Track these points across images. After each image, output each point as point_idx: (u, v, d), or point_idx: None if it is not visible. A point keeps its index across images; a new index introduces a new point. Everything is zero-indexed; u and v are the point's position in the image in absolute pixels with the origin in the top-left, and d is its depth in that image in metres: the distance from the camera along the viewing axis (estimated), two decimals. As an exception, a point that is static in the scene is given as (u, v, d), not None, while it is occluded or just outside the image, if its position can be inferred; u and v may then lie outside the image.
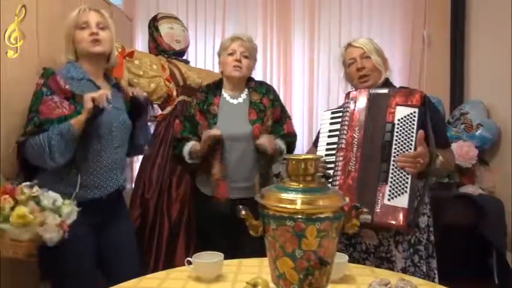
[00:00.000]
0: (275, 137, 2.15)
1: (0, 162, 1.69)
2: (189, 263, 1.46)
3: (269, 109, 2.18)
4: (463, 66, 3.46)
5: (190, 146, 2.13)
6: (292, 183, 1.09)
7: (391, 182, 1.61)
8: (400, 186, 1.60)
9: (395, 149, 1.64)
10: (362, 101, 1.76)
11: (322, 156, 1.77)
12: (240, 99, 2.21)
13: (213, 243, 1.99)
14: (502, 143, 3.10)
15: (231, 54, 2.16)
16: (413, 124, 1.64)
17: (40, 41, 1.93)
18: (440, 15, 3.52)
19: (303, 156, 1.11)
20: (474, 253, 3.06)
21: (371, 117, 1.72)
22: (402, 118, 1.66)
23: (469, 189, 3.02)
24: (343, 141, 1.73)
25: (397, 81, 2.03)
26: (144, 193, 2.58)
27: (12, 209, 1.36)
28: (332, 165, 1.75)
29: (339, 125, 1.79)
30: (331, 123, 1.84)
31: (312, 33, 3.60)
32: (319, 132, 1.93)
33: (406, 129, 1.65)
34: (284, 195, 1.05)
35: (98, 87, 1.74)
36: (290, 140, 2.22)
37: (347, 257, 1.45)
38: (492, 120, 3.14)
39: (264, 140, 2.05)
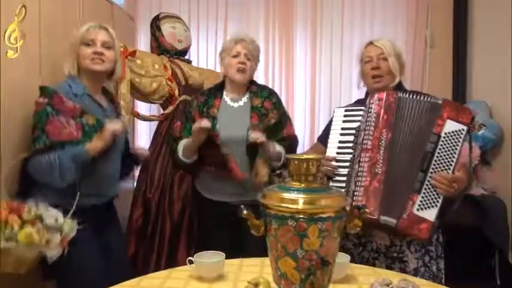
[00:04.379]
0: (272, 141, 2.06)
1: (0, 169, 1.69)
2: (191, 262, 1.46)
3: (271, 112, 2.14)
4: (466, 66, 3.45)
5: (184, 141, 2.09)
6: (294, 183, 1.09)
7: (423, 193, 1.61)
8: (432, 199, 1.60)
9: (435, 161, 1.62)
10: (390, 104, 1.69)
11: (323, 157, 1.74)
12: (241, 103, 2.18)
13: (214, 242, 1.99)
14: (505, 144, 3.09)
15: (235, 56, 2.11)
16: (458, 142, 1.62)
17: (41, 40, 1.93)
18: (443, 16, 3.52)
19: (305, 156, 1.10)
20: (476, 253, 3.04)
21: (405, 121, 1.68)
22: (450, 133, 1.63)
23: (472, 189, 3.01)
24: (369, 142, 1.68)
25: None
26: (146, 192, 2.59)
27: (20, 228, 1.37)
28: (344, 164, 1.72)
29: (357, 123, 1.75)
30: (345, 121, 1.80)
31: (314, 33, 3.60)
32: (327, 129, 1.89)
33: (451, 144, 1.62)
34: (286, 195, 1.05)
35: (97, 103, 1.80)
36: (289, 143, 2.14)
37: (349, 257, 1.45)
38: (495, 120, 3.13)
39: (256, 134, 1.98)
